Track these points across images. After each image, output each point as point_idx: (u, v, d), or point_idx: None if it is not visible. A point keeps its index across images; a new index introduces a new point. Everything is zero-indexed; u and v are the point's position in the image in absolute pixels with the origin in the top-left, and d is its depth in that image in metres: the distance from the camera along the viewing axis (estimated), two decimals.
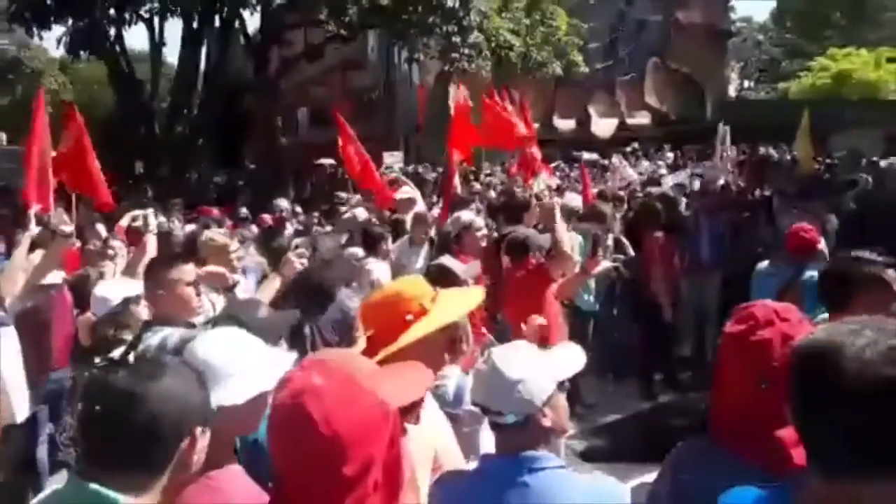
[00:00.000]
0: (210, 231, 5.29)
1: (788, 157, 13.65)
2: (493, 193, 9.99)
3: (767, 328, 1.74)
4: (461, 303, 2.18)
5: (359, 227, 6.54)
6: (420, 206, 7.24)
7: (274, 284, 3.00)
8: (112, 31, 17.27)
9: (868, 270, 2.82)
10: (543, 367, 1.89)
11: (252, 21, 20.03)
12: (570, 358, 2.01)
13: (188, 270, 3.10)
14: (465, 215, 5.99)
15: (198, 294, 3.13)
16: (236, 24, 18.64)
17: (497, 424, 1.86)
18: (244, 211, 8.72)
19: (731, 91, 44.68)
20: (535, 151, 9.09)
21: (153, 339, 2.74)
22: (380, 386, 1.33)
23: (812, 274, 4.40)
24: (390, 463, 1.31)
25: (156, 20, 18.05)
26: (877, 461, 1.09)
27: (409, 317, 1.94)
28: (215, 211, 8.96)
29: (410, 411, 1.66)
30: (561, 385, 1.91)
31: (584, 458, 5.30)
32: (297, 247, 6.39)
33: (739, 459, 1.71)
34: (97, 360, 3.22)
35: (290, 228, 8.10)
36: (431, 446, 2.13)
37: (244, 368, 1.78)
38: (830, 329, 1.19)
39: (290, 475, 1.31)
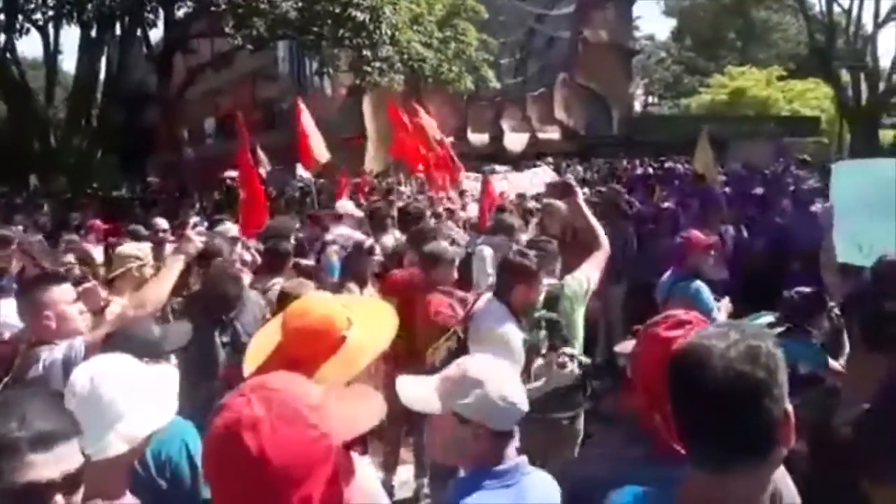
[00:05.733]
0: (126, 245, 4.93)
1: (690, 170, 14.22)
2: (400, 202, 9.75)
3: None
4: (379, 314, 2.13)
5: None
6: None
7: (177, 267, 2.85)
8: (2, 38, 16.36)
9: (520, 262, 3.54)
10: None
11: (155, 29, 19.39)
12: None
13: (66, 289, 2.91)
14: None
15: (80, 312, 2.95)
16: (138, 31, 17.98)
17: (487, 435, 1.85)
18: (138, 227, 7.96)
19: (637, 106, 46.39)
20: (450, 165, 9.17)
21: (55, 353, 2.62)
22: (326, 419, 1.25)
23: (696, 284, 4.54)
24: (328, 502, 1.24)
25: (50, 27, 17.20)
26: (740, 453, 1.19)
27: (344, 332, 1.91)
28: (102, 226, 8.48)
29: (358, 441, 1.57)
30: None
31: None
32: (195, 225, 6.01)
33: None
34: None
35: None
36: None
37: (131, 410, 1.72)
38: (703, 333, 1.29)
39: None
